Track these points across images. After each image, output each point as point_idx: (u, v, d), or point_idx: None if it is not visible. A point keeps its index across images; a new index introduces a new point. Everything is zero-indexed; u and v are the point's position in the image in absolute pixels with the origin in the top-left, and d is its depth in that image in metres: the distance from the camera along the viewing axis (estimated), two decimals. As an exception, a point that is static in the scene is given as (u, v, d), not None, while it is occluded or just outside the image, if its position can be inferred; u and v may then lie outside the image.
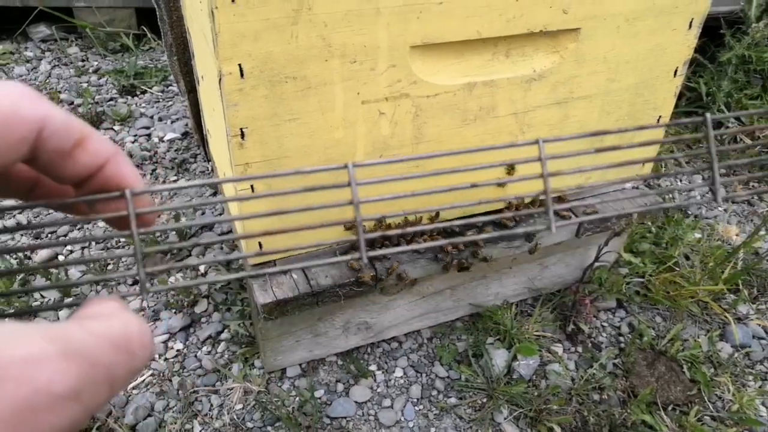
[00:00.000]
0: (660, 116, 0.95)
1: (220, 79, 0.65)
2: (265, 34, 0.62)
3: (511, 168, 0.87)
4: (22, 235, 1.23)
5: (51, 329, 0.18)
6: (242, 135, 0.68)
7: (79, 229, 1.26)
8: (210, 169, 1.38)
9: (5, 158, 0.21)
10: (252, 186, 0.73)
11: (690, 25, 0.85)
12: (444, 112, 0.77)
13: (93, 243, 1.22)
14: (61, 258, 1.19)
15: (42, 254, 1.18)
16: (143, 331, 0.21)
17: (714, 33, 1.57)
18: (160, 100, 1.67)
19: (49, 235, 1.24)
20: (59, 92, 1.67)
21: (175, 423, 0.90)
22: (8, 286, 1.08)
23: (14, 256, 1.18)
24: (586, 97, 0.86)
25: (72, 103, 1.64)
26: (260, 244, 0.79)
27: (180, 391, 0.95)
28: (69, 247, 1.21)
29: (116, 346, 0.19)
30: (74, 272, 1.15)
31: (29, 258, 1.18)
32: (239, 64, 0.64)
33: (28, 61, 1.82)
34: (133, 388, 0.95)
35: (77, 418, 0.17)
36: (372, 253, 0.27)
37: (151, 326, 1.06)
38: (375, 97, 0.72)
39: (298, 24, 0.63)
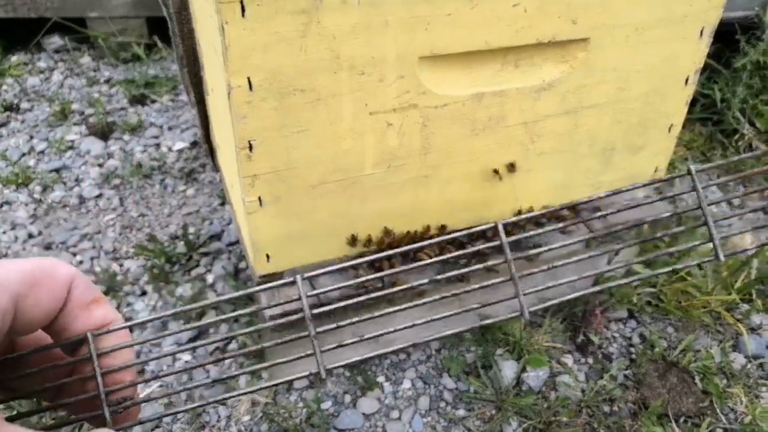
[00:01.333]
0: (672, 124, 0.94)
1: (229, 92, 0.65)
2: (274, 48, 0.63)
3: (511, 166, 0.87)
4: (33, 245, 1.24)
5: None
6: (250, 147, 0.69)
7: (89, 239, 1.26)
8: (218, 179, 1.39)
9: (53, 303, 0.26)
10: (259, 197, 0.73)
11: (701, 34, 0.84)
12: (452, 122, 0.77)
13: (103, 253, 1.23)
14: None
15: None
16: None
17: (729, 38, 1.56)
18: (170, 109, 1.68)
19: (60, 245, 1.25)
20: (71, 102, 1.69)
21: None
22: None
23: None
24: (596, 106, 0.85)
25: (83, 113, 1.66)
26: (267, 256, 0.79)
27: (188, 403, 0.95)
28: (79, 257, 1.22)
29: None
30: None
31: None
32: (248, 77, 0.64)
33: (41, 72, 1.85)
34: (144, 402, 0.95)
35: None
36: (330, 366, 0.29)
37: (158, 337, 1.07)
38: (383, 108, 0.72)
39: (307, 37, 0.63)
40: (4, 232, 1.27)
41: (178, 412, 0.27)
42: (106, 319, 0.28)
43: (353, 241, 0.84)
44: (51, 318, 0.26)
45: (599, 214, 0.37)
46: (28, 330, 0.26)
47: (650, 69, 0.85)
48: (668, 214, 0.30)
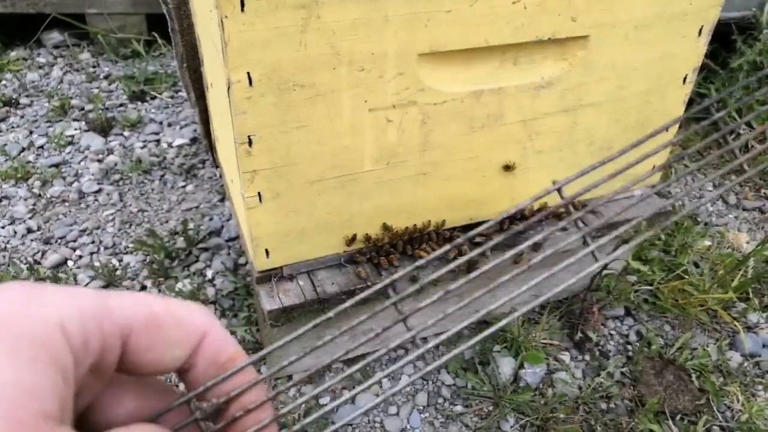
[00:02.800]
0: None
1: (228, 87, 0.65)
2: (273, 43, 0.63)
3: (509, 167, 0.87)
4: (32, 240, 1.25)
5: None
6: (250, 142, 0.69)
7: (88, 234, 1.27)
8: (218, 175, 1.39)
9: (175, 352, 0.23)
10: (259, 193, 0.74)
11: (700, 33, 0.85)
12: (451, 119, 0.77)
13: (102, 249, 1.23)
14: (70, 263, 1.20)
15: (51, 259, 1.19)
16: None
17: (725, 39, 1.56)
18: (170, 105, 1.68)
19: (59, 240, 1.25)
20: (70, 98, 1.69)
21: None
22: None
23: (24, 261, 1.19)
24: (595, 105, 0.85)
25: (83, 108, 1.66)
26: (267, 251, 0.80)
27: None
28: (78, 252, 1.22)
29: None
30: (83, 277, 1.16)
31: (39, 263, 1.19)
32: (248, 72, 0.64)
33: (40, 67, 1.84)
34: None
35: None
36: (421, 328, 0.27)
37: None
38: (382, 105, 0.72)
39: (307, 32, 0.64)
40: (3, 227, 1.27)
41: (173, 408, 0.26)
42: (246, 378, 0.25)
43: (352, 241, 0.84)
44: (171, 368, 0.24)
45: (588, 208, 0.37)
46: (145, 372, 0.24)
47: (649, 67, 0.85)
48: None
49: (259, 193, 0.73)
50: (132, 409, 0.25)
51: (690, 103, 0.94)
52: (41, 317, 0.20)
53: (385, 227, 0.84)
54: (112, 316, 0.22)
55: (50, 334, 0.20)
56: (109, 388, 0.24)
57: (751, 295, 1.16)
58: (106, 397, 0.24)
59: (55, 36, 1.93)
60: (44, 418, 0.18)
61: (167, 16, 1.07)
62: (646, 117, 0.91)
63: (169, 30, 1.07)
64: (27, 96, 1.70)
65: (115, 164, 1.45)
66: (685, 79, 0.90)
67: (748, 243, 1.31)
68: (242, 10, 0.60)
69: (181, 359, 0.24)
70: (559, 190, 0.28)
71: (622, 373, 1.03)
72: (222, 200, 1.34)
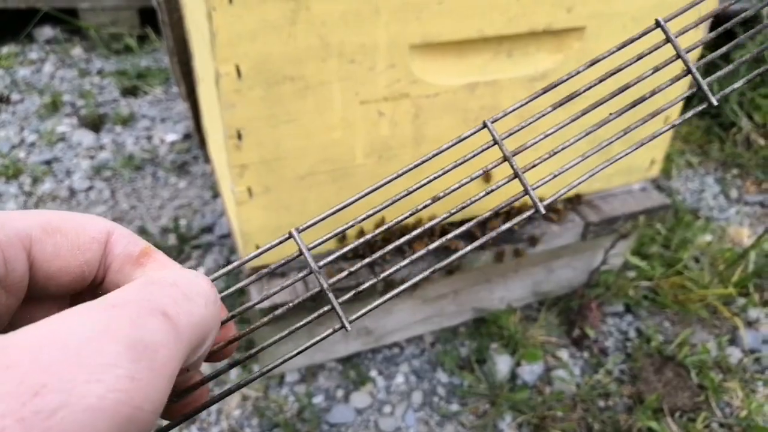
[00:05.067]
0: (668, 116, 0.93)
1: (217, 80, 0.63)
2: (262, 35, 0.61)
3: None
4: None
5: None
6: (239, 136, 0.67)
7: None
8: (210, 171, 1.37)
9: (82, 256, 0.22)
10: (249, 188, 0.72)
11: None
12: (445, 112, 0.75)
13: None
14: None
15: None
16: (195, 278, 0.21)
17: (727, 31, 1.54)
18: (162, 101, 1.66)
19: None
20: (62, 94, 1.67)
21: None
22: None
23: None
24: (591, 97, 0.83)
25: (74, 104, 1.64)
26: (257, 247, 0.78)
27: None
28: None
29: (144, 284, 0.19)
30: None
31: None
32: (236, 65, 0.62)
33: (32, 63, 1.82)
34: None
35: (127, 356, 0.16)
36: (353, 318, 0.26)
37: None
38: (374, 97, 0.71)
39: (296, 24, 0.62)
40: (-6, 225, 1.25)
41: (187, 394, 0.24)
42: (164, 268, 0.24)
43: (342, 239, 0.83)
44: (87, 275, 0.23)
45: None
46: (59, 287, 0.22)
47: (646, 59, 0.83)
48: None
49: (248, 187, 0.72)
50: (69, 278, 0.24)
51: (691, 96, 0.92)
52: None
53: (380, 222, 0.83)
54: (6, 228, 0.20)
55: None
56: (27, 306, 0.23)
57: (751, 291, 1.15)
58: (25, 315, 0.23)
59: (46, 31, 1.91)
60: None
61: (157, 9, 1.05)
62: (644, 110, 0.90)
63: (159, 22, 1.05)
64: (18, 92, 1.68)
65: (107, 161, 1.43)
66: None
67: (749, 237, 1.30)
68: (230, 2, 0.58)
69: (93, 264, 0.23)
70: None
71: (621, 371, 1.02)
72: (214, 197, 1.32)
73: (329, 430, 0.90)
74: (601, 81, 0.26)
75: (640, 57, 0.27)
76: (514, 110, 0.23)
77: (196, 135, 1.15)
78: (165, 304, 0.18)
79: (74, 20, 1.85)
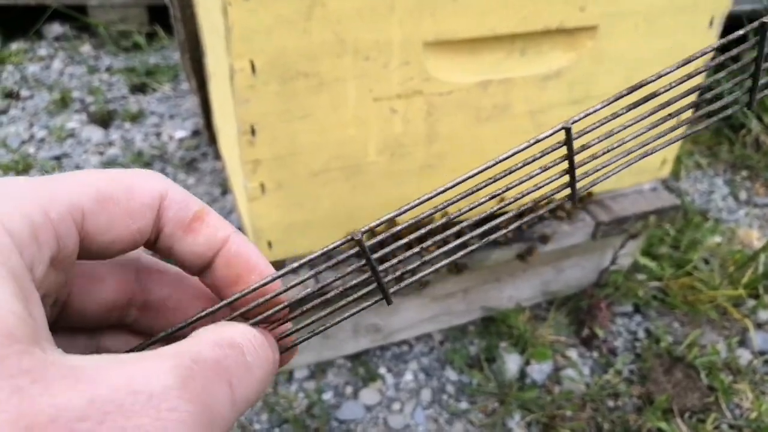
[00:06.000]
0: (680, 118, 0.92)
1: (231, 76, 0.63)
2: (277, 30, 0.61)
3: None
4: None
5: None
6: (253, 132, 0.67)
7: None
8: (220, 167, 1.37)
9: (135, 225, 0.21)
10: (262, 184, 0.72)
11: (711, 24, 0.83)
12: (457, 110, 0.75)
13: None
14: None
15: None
16: (251, 334, 0.21)
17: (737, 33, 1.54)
18: (171, 98, 1.67)
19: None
20: (71, 90, 1.68)
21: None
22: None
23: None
24: (604, 96, 0.83)
25: (83, 101, 1.64)
26: (270, 243, 0.78)
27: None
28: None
29: (219, 344, 0.19)
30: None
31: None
32: (251, 60, 0.62)
33: (41, 59, 1.83)
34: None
35: (197, 419, 0.17)
36: (395, 288, 0.26)
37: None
38: (387, 95, 0.71)
39: (311, 20, 0.62)
40: (4, 220, 1.26)
41: (208, 314, 0.23)
42: (218, 231, 0.23)
43: (373, 235, 0.83)
44: (139, 242, 0.22)
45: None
46: (109, 255, 0.21)
47: (659, 58, 0.83)
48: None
49: (261, 183, 0.72)
50: (111, 293, 0.23)
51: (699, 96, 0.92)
52: None
53: (390, 220, 0.83)
54: (56, 202, 0.19)
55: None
56: (80, 279, 0.22)
57: (761, 292, 1.14)
58: (80, 289, 0.22)
59: (56, 28, 1.91)
60: (9, 340, 0.15)
61: (169, 5, 1.05)
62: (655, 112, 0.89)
63: (171, 18, 1.05)
64: (28, 88, 1.69)
65: (116, 157, 1.43)
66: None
67: (758, 240, 1.30)
68: (245, -4, 0.58)
69: (145, 231, 0.22)
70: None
71: (630, 371, 1.01)
72: (223, 194, 1.32)
73: (339, 427, 0.90)
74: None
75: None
76: (596, 111, 0.23)
77: (206, 131, 1.15)
78: (232, 373, 0.19)
79: (83, 17, 1.86)
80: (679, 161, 1.47)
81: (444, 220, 0.25)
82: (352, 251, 0.25)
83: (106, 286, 0.23)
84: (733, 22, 1.04)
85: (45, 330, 0.17)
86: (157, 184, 0.22)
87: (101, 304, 0.23)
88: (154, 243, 0.23)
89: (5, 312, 0.16)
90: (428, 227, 0.26)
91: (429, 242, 0.25)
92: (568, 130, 0.24)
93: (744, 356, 1.05)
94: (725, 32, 0.88)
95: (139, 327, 0.25)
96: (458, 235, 0.83)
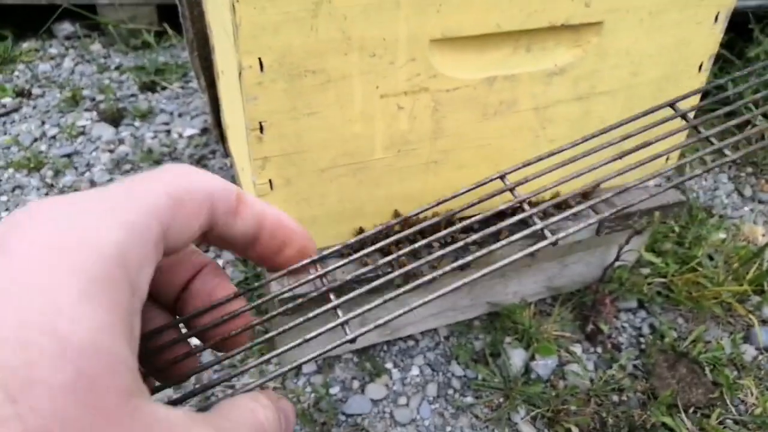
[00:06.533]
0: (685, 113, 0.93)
1: (240, 73, 0.65)
2: (285, 28, 0.62)
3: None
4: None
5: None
6: (261, 129, 0.68)
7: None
8: (229, 165, 1.39)
9: (197, 223, 0.22)
10: (270, 180, 0.73)
11: (716, 19, 0.83)
12: (464, 106, 0.76)
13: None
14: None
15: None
16: (279, 420, 0.23)
17: (742, 28, 1.53)
18: (180, 96, 1.68)
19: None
20: (82, 89, 1.70)
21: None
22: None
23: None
24: (609, 92, 0.84)
25: (94, 99, 1.66)
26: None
27: (196, 386, 0.95)
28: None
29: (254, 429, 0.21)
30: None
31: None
32: (259, 58, 0.63)
33: (52, 58, 1.85)
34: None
35: None
36: (358, 333, 0.28)
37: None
38: (394, 91, 0.72)
39: (318, 17, 0.63)
40: (16, 217, 1.28)
41: (188, 398, 0.25)
42: (256, 209, 0.25)
43: (360, 233, 0.84)
44: (198, 237, 0.23)
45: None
46: (174, 252, 0.22)
47: (664, 54, 0.84)
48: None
49: (270, 180, 0.73)
50: (167, 288, 0.25)
51: (705, 94, 0.92)
52: (99, 239, 0.17)
53: (396, 216, 0.84)
54: (150, 218, 0.20)
55: (109, 266, 0.17)
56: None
57: (766, 288, 1.15)
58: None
59: (66, 27, 1.93)
60: (124, 395, 0.16)
61: (178, 3, 1.07)
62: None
63: (180, 17, 1.07)
64: (39, 86, 1.71)
65: (126, 154, 1.45)
66: (700, 66, 0.88)
67: (763, 236, 1.30)
68: (253, -6, 0.59)
69: (204, 226, 0.23)
70: (502, 177, 0.28)
71: (635, 366, 1.02)
72: (232, 190, 1.34)
73: (346, 421, 0.91)
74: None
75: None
76: (524, 167, 0.24)
77: (215, 130, 1.17)
78: None
79: (93, 16, 1.88)
80: (683, 156, 1.47)
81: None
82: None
83: (170, 283, 0.25)
84: (738, 18, 1.04)
85: (136, 370, 0.18)
86: (204, 181, 0.23)
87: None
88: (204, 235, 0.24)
89: (122, 368, 0.16)
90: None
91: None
92: (503, 177, 0.27)
93: (749, 352, 1.05)
94: (731, 29, 0.89)
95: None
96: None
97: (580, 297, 1.10)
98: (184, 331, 0.26)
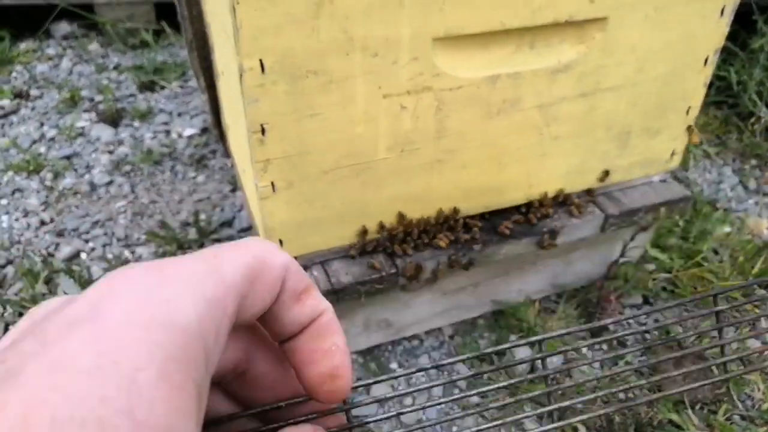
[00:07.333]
0: (690, 107, 0.92)
1: (240, 75, 0.64)
2: (286, 29, 0.62)
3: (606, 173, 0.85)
4: (45, 232, 1.25)
5: None
6: (263, 131, 0.68)
7: (101, 226, 1.26)
8: (230, 165, 1.38)
9: (269, 297, 0.23)
10: (272, 183, 0.73)
11: (722, 13, 0.82)
12: (467, 105, 0.76)
13: (115, 240, 1.23)
14: (84, 256, 1.20)
15: (65, 252, 1.19)
16: None
17: (746, 19, 1.52)
18: (179, 95, 1.67)
19: (72, 232, 1.25)
20: (80, 89, 1.69)
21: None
22: (33, 284, 1.09)
23: (38, 254, 1.19)
24: (613, 89, 0.83)
25: (92, 99, 1.65)
26: (281, 242, 0.79)
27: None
28: (91, 244, 1.22)
29: None
30: (96, 270, 1.16)
31: (52, 256, 1.19)
32: (260, 59, 0.63)
33: (50, 59, 1.84)
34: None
35: None
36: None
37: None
38: (397, 91, 0.71)
39: (320, 18, 0.62)
40: (17, 219, 1.27)
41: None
42: (316, 310, 0.25)
43: (364, 233, 0.83)
44: (263, 311, 0.23)
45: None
46: (243, 324, 0.23)
47: (669, 49, 0.83)
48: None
49: (272, 182, 0.72)
50: (225, 360, 0.25)
51: (709, 86, 0.91)
52: (182, 315, 0.18)
53: (400, 216, 0.83)
54: (228, 295, 0.20)
55: (188, 341, 0.18)
56: None
57: (771, 282, 1.14)
58: None
59: (63, 27, 1.92)
60: None
61: (176, 3, 1.06)
62: (665, 101, 0.89)
63: (179, 17, 1.06)
64: (37, 87, 1.70)
65: (126, 155, 1.44)
66: (706, 60, 0.87)
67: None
68: (254, -6, 0.58)
69: (271, 299, 0.23)
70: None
71: (641, 362, 1.02)
72: (233, 190, 1.33)
73: (351, 421, 0.91)
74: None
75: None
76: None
77: (215, 129, 1.16)
78: None
79: (90, 15, 1.86)
80: (688, 151, 1.46)
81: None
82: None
83: (225, 352, 0.24)
84: (742, 9, 1.03)
85: None
86: (283, 259, 0.23)
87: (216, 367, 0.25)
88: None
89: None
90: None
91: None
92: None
93: (755, 347, 1.05)
94: (736, 19, 0.87)
95: (228, 388, 0.26)
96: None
97: (584, 294, 1.10)
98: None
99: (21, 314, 1.06)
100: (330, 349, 0.25)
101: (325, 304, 0.25)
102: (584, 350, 1.03)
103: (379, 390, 0.95)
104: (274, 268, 0.22)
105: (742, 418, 0.94)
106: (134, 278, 0.19)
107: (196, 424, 0.17)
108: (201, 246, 1.19)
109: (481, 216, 0.90)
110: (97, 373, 0.16)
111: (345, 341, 0.26)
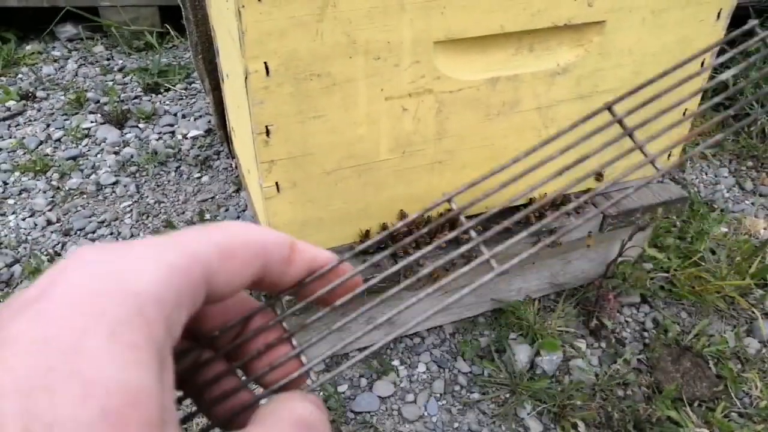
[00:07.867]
0: (686, 110, 0.93)
1: (246, 77, 0.65)
2: (290, 32, 0.63)
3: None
4: (52, 232, 1.26)
5: None
6: (267, 132, 0.69)
7: (106, 226, 1.28)
8: (234, 166, 1.40)
9: (247, 275, 0.23)
10: (277, 183, 0.74)
11: (718, 16, 0.84)
12: (467, 107, 0.77)
13: (121, 240, 1.25)
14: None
15: (71, 251, 1.21)
16: (317, 412, 0.23)
17: (742, 22, 1.54)
18: (184, 97, 1.69)
19: (78, 232, 1.27)
20: (86, 91, 1.71)
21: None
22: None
23: (45, 253, 1.21)
24: (611, 91, 0.85)
25: (98, 101, 1.67)
26: (285, 240, 0.80)
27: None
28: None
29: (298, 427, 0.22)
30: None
31: (59, 255, 1.21)
32: (265, 62, 0.64)
33: (55, 61, 1.86)
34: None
35: None
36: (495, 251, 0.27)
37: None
38: (398, 93, 0.72)
39: (323, 21, 0.64)
40: (24, 219, 1.29)
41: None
42: (308, 254, 0.25)
43: (366, 235, 0.85)
44: (243, 287, 0.23)
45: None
46: (220, 300, 0.23)
47: (666, 52, 0.84)
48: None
49: (276, 183, 0.74)
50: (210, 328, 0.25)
51: (705, 89, 0.93)
52: (137, 280, 0.18)
53: (402, 216, 0.85)
54: (195, 263, 0.20)
55: (142, 304, 0.18)
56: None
57: (769, 282, 1.16)
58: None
59: (68, 29, 1.94)
60: (146, 427, 0.16)
61: (181, 6, 1.07)
62: (663, 104, 0.91)
63: (183, 20, 1.07)
64: (43, 89, 1.72)
65: (132, 156, 1.46)
66: (702, 63, 0.89)
67: (765, 229, 1.30)
68: (259, 0, 0.60)
69: (255, 276, 0.24)
70: (449, 200, 0.28)
71: (639, 361, 1.03)
72: (237, 191, 1.35)
73: (354, 418, 0.93)
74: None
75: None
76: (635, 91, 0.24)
77: (220, 131, 1.18)
78: None
79: (95, 18, 1.88)
80: (685, 152, 1.47)
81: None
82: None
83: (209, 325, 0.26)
84: (738, 12, 1.04)
85: (173, 408, 0.18)
86: (258, 234, 0.24)
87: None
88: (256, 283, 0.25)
89: (148, 401, 0.17)
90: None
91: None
92: (610, 108, 0.26)
93: (752, 345, 1.06)
94: (732, 22, 0.89)
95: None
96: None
97: (583, 293, 1.11)
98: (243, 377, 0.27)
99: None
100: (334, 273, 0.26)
101: (312, 250, 0.25)
102: (583, 348, 1.04)
103: (382, 387, 0.97)
104: (251, 245, 0.23)
105: (740, 415, 0.95)
106: (86, 256, 0.19)
107: (157, 380, 0.17)
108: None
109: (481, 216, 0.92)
110: (42, 347, 0.16)
111: (332, 256, 0.26)
